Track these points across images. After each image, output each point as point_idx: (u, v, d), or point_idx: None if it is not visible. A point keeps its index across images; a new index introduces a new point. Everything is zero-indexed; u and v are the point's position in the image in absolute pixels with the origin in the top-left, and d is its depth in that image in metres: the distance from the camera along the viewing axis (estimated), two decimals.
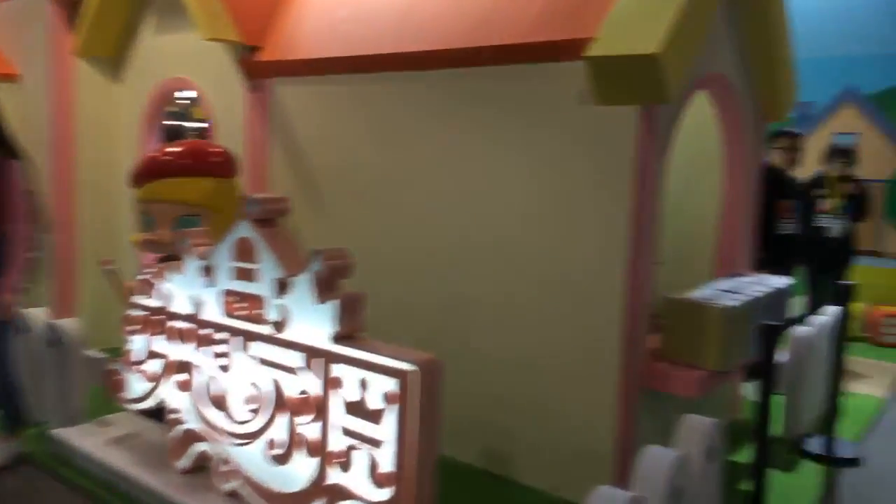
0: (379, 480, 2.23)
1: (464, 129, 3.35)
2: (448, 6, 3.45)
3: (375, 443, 2.24)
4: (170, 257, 3.10)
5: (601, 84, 2.78)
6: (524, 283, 3.21)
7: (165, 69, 4.44)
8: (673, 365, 3.05)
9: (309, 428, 2.42)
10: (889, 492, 3.33)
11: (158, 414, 3.12)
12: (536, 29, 3.08)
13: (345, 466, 2.33)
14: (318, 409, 2.40)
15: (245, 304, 2.68)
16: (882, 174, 6.07)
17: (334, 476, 2.37)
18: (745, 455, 3.59)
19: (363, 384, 2.27)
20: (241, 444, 2.71)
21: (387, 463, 2.21)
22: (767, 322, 2.77)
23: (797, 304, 3.78)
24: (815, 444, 3.66)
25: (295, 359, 2.48)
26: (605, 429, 2.99)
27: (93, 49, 4.55)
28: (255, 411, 2.63)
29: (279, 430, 2.53)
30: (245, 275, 2.66)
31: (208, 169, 3.49)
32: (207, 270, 2.81)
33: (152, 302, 3.08)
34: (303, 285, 2.43)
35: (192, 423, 2.93)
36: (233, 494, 2.77)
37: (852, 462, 3.57)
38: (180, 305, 2.95)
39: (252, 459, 2.67)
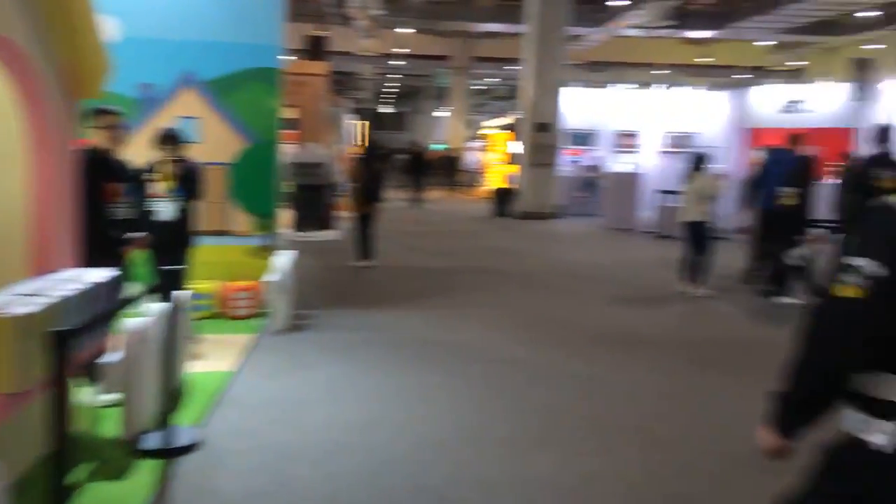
0: None
1: None
2: None
3: None
4: None
5: None
6: None
7: None
8: None
9: None
10: (226, 471, 3.39)
11: None
12: None
13: None
14: None
15: None
16: (224, 157, 6.40)
17: None
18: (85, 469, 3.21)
19: None
20: None
21: None
22: (59, 329, 2.42)
23: (139, 293, 3.54)
24: (152, 440, 3.52)
25: None
26: None
27: None
28: None
29: None
30: None
31: None
32: None
33: None
34: None
35: None
36: None
37: (188, 449, 3.55)
38: None
39: None
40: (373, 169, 9.56)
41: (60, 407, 2.36)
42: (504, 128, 20.71)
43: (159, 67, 6.21)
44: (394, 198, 16.64)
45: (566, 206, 16.72)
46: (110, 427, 3.63)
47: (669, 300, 7.83)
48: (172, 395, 3.74)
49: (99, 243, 3.88)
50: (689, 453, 3.82)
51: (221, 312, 6.20)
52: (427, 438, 3.87)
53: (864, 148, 8.31)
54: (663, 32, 21.84)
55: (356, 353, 5.42)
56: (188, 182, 5.01)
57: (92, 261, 3.66)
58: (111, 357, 3.58)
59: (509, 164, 18.65)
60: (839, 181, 8.17)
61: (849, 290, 1.52)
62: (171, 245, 4.90)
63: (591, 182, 16.99)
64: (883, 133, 7.28)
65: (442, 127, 40.20)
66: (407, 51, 30.31)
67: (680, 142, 16.83)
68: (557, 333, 6.31)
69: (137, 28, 5.92)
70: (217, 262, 6.14)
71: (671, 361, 5.53)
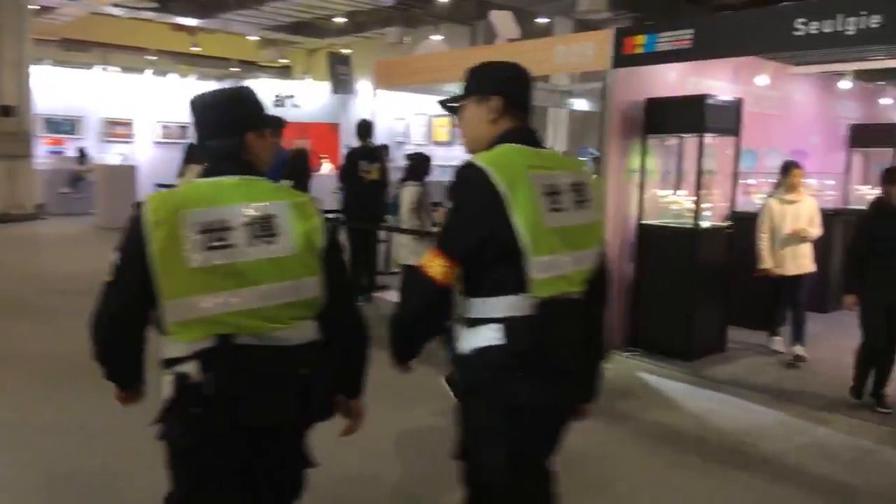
0: None
1: None
2: None
3: None
4: None
5: None
6: None
7: None
8: None
9: None
10: None
11: None
12: None
13: None
14: None
15: None
16: None
17: None
18: None
19: None
20: None
21: None
22: None
23: None
24: None
25: None
26: None
27: None
28: None
29: None
30: None
31: None
32: None
33: None
34: None
35: None
36: None
37: None
38: None
39: None
40: None
41: None
42: None
43: None
44: None
45: (49, 205, 14.48)
46: None
47: None
48: None
49: None
50: None
51: None
52: None
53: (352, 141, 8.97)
54: (150, 15, 20.56)
55: None
56: None
57: None
58: None
59: None
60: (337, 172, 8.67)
61: None
62: None
63: (78, 176, 15.01)
64: (363, 128, 7.92)
65: None
66: None
67: (176, 132, 16.10)
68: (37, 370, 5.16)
69: None
70: None
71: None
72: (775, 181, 6.21)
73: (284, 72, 28.95)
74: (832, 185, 8.61)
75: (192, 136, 2.06)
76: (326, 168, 14.96)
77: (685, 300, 5.93)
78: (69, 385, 4.68)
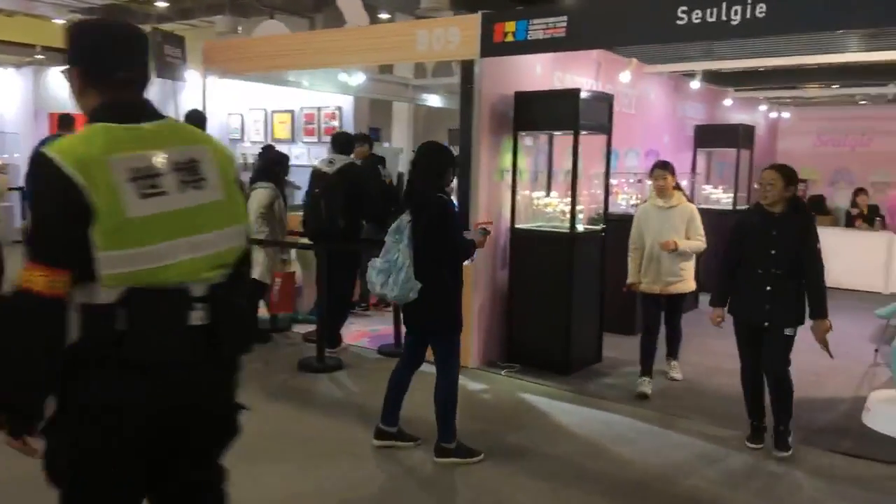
0: None
1: None
2: None
3: None
4: None
5: None
6: None
7: None
8: None
9: None
10: None
11: None
12: None
13: None
14: None
15: None
16: None
17: None
18: None
19: None
20: None
21: None
22: None
23: None
24: None
25: None
26: None
27: None
28: None
29: None
30: None
31: None
32: None
33: None
34: None
35: None
36: None
37: None
38: None
39: None
40: None
41: None
42: None
43: None
44: None
45: None
46: None
47: None
48: None
49: None
50: None
51: None
52: None
53: None
54: None
55: None
56: None
57: None
58: None
59: None
60: None
61: None
62: None
63: None
64: (195, 120, 6.81)
65: None
66: None
67: None
68: None
69: None
70: None
71: None
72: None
73: None
74: (686, 185, 8.67)
75: None
76: None
77: (563, 310, 5.49)
78: None
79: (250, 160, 15.78)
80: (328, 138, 15.62)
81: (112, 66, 1.79)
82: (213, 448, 1.91)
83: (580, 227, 5.62)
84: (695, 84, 8.53)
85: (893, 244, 9.23)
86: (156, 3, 20.11)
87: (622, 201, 7.17)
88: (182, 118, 6.88)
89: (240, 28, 17.97)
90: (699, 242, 5.10)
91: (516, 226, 5.73)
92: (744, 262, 4.08)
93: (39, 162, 1.66)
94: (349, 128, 15.33)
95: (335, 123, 15.94)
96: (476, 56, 5.48)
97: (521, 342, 5.70)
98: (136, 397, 1.68)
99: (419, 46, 5.83)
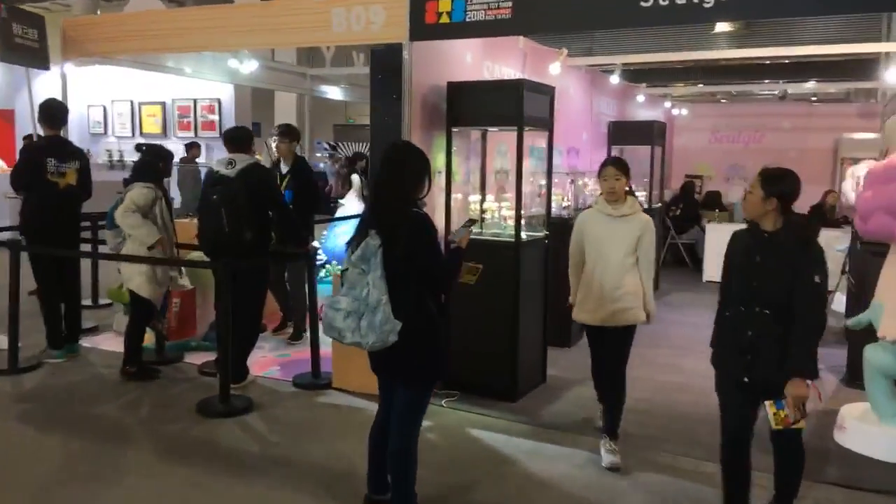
0: None
1: None
2: None
3: None
4: None
5: None
6: None
7: None
8: None
9: None
10: None
11: None
12: None
13: None
14: None
15: None
16: None
17: None
18: None
19: None
20: None
21: None
22: None
23: None
24: None
25: None
26: None
27: None
28: None
29: None
30: None
31: None
32: None
33: None
34: None
35: None
36: None
37: None
38: None
39: None
40: None
41: None
42: None
43: None
44: None
45: None
46: None
47: None
48: None
49: None
50: None
51: None
52: None
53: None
54: None
55: None
56: None
57: None
58: None
59: None
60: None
61: None
62: None
63: None
64: (53, 112, 5.62)
65: None
66: None
67: None
68: None
69: None
70: None
71: None
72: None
73: None
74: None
75: None
76: None
77: (507, 328, 4.86)
78: None
79: (120, 158, 14.20)
80: (214, 134, 14.33)
81: None
82: None
83: (524, 235, 5.00)
84: (614, 79, 8.17)
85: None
86: None
87: (553, 204, 6.66)
88: (37, 110, 5.68)
89: (99, 12, 16.14)
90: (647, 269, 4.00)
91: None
92: (729, 295, 3.13)
93: None
94: (229, 122, 14.06)
95: (213, 117, 14.59)
96: (404, 39, 4.72)
97: (460, 367, 5.00)
98: None
99: (335, 27, 4.99)
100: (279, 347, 6.06)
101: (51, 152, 5.42)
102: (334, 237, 8.32)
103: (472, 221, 3.49)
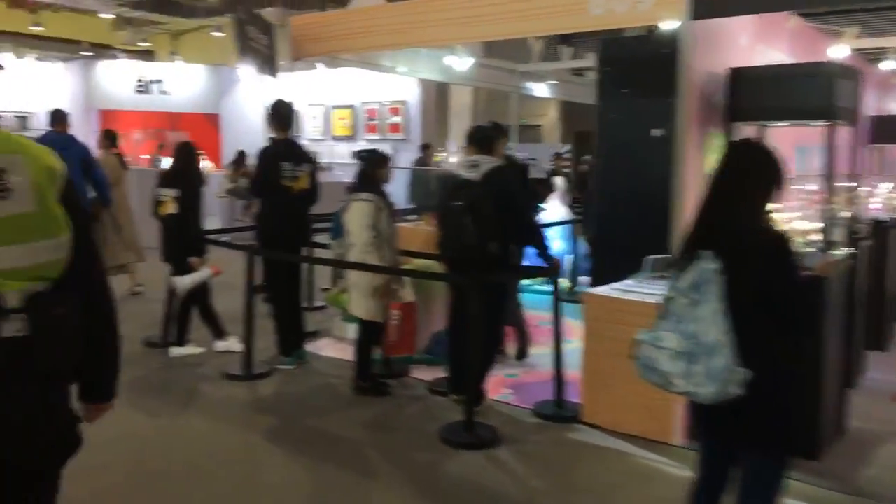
0: None
1: None
2: None
3: None
4: None
5: None
6: None
7: None
8: None
9: None
10: None
11: None
12: None
13: None
14: None
15: None
16: None
17: None
18: None
19: None
20: None
21: None
22: None
23: None
24: None
25: None
26: None
27: None
28: None
29: None
30: None
31: None
32: None
33: None
34: None
35: None
36: None
37: None
38: None
39: None
40: None
41: None
42: None
43: None
44: None
45: None
46: None
47: None
48: None
49: None
50: None
51: None
52: None
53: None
54: None
55: None
56: None
57: None
58: None
59: None
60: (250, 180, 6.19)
61: None
62: None
63: None
64: (283, 113, 5.48)
65: None
66: None
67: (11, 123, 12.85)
68: None
69: None
70: None
71: None
72: None
73: (146, 55, 25.19)
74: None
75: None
76: (205, 167, 12.21)
77: (807, 373, 4.00)
78: None
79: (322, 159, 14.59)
80: (398, 136, 14.34)
81: None
82: (34, 466, 1.73)
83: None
84: (889, 64, 6.94)
85: None
86: None
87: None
88: (268, 111, 5.54)
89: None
90: None
91: None
92: None
93: None
94: (415, 124, 13.98)
95: (398, 120, 14.58)
96: (683, 18, 4.02)
97: None
98: None
99: (593, 10, 4.39)
100: (505, 367, 5.55)
101: (285, 156, 5.26)
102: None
103: (829, 244, 2.73)
